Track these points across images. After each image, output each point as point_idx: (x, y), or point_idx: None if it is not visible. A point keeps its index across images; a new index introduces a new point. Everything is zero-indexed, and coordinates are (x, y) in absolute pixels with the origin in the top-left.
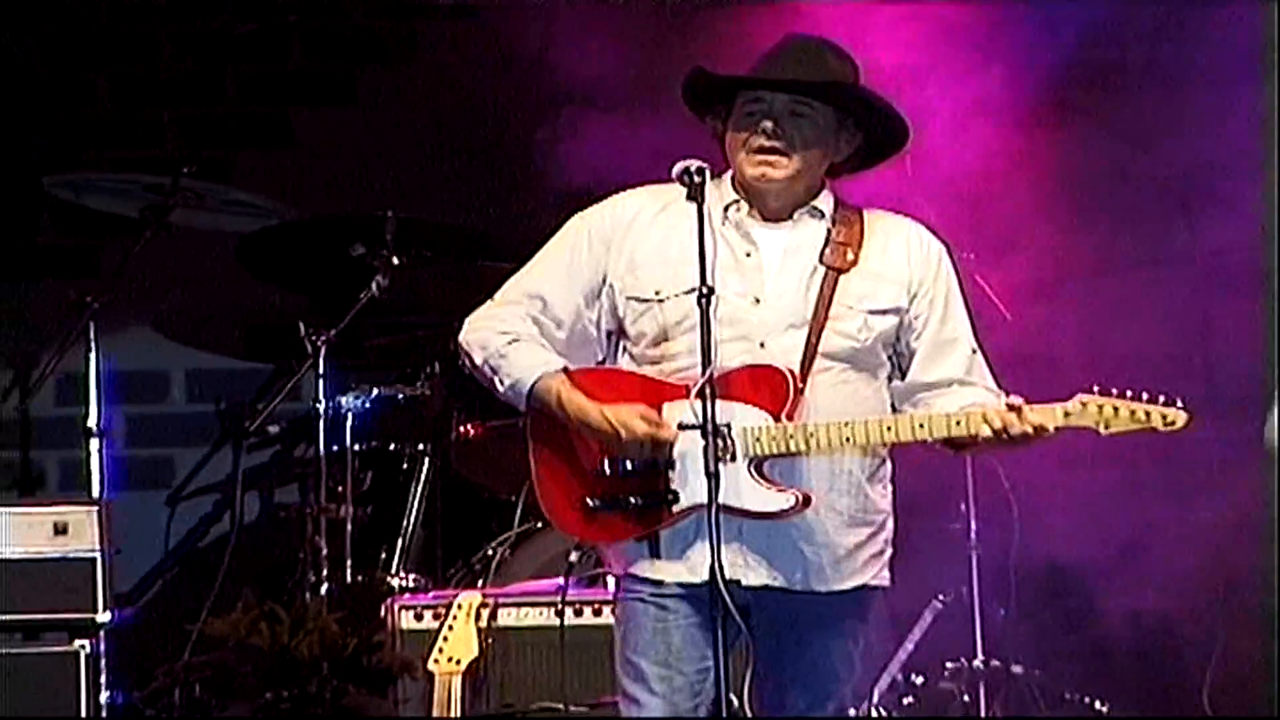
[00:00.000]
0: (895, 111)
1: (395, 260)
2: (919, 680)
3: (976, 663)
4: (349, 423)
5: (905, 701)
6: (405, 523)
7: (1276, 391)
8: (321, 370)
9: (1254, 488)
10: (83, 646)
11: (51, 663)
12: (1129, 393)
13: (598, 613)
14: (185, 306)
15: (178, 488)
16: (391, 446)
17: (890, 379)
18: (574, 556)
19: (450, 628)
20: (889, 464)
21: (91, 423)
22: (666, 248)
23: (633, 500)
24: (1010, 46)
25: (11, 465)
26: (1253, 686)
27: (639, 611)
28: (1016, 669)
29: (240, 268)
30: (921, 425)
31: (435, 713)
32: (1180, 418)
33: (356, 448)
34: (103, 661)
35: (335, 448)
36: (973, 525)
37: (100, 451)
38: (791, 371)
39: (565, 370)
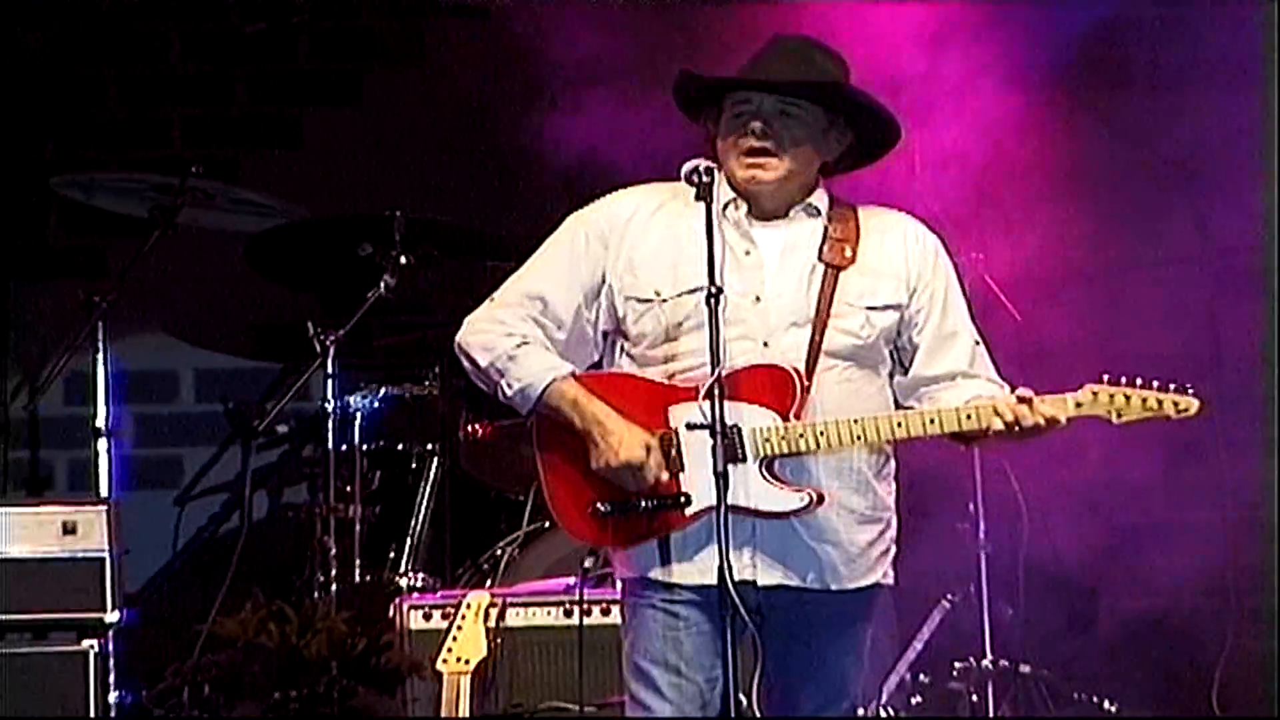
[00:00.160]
0: (885, 110)
1: (403, 260)
2: (927, 680)
3: (985, 662)
4: (357, 422)
5: (914, 701)
6: (414, 522)
7: (1276, 393)
8: (330, 370)
9: (1259, 487)
10: (91, 646)
11: (60, 662)
12: (1139, 381)
13: (606, 612)
14: (194, 306)
15: (186, 487)
16: (400, 446)
17: (892, 375)
18: (589, 562)
19: (459, 627)
20: (893, 461)
21: (100, 422)
22: (665, 247)
23: (644, 504)
24: (1018, 44)
25: (21, 465)
26: (1260, 686)
27: (650, 618)
28: (1025, 669)
29: (249, 268)
30: (932, 420)
31: (444, 713)
32: (1193, 404)
33: (365, 447)
34: (111, 661)
35: (344, 447)
36: (981, 525)
37: (109, 451)
38: (797, 370)
39: (573, 375)
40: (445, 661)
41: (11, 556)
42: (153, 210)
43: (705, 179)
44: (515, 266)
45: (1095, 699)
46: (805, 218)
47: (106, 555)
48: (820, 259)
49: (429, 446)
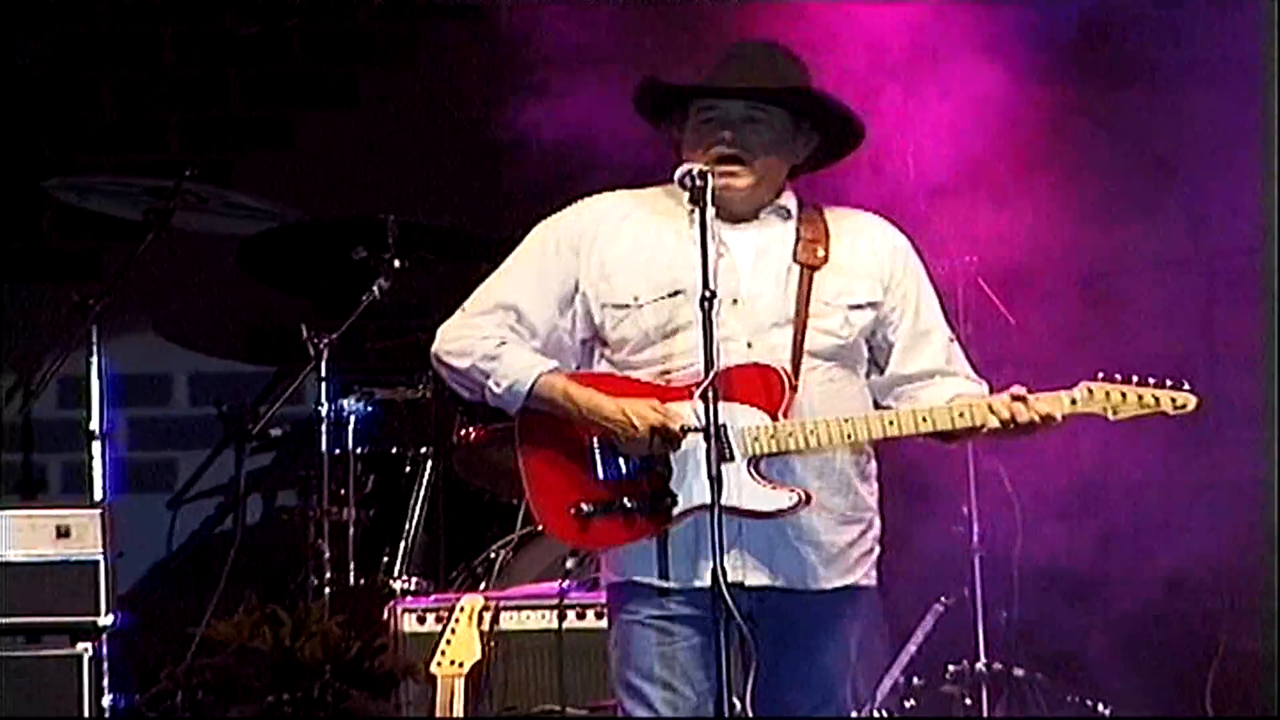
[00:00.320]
0: (851, 112)
1: (397, 263)
2: (921, 683)
3: (979, 665)
4: (351, 426)
5: (907, 704)
6: (407, 526)
7: (1276, 394)
8: (323, 373)
9: (1255, 491)
10: (85, 649)
11: (54, 666)
12: (1134, 378)
13: (600, 615)
14: (187, 309)
15: (180, 491)
16: (394, 449)
17: (868, 374)
18: (570, 563)
19: (452, 631)
20: (874, 462)
21: (94, 426)
22: (638, 253)
23: (628, 504)
24: (1010, 45)
25: (14, 468)
26: (1255, 688)
27: (639, 634)
28: (1019, 672)
29: (242, 271)
30: (925, 418)
31: (437, 715)
32: (1190, 400)
33: (358, 451)
34: (105, 664)
35: (337, 451)
36: (975, 528)
37: (102, 454)
38: (785, 369)
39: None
40: (439, 665)
41: (5, 560)
42: (146, 213)
43: (699, 183)
44: None
45: (1089, 701)
46: (776, 220)
47: (100, 558)
48: (795, 260)
49: (423, 450)
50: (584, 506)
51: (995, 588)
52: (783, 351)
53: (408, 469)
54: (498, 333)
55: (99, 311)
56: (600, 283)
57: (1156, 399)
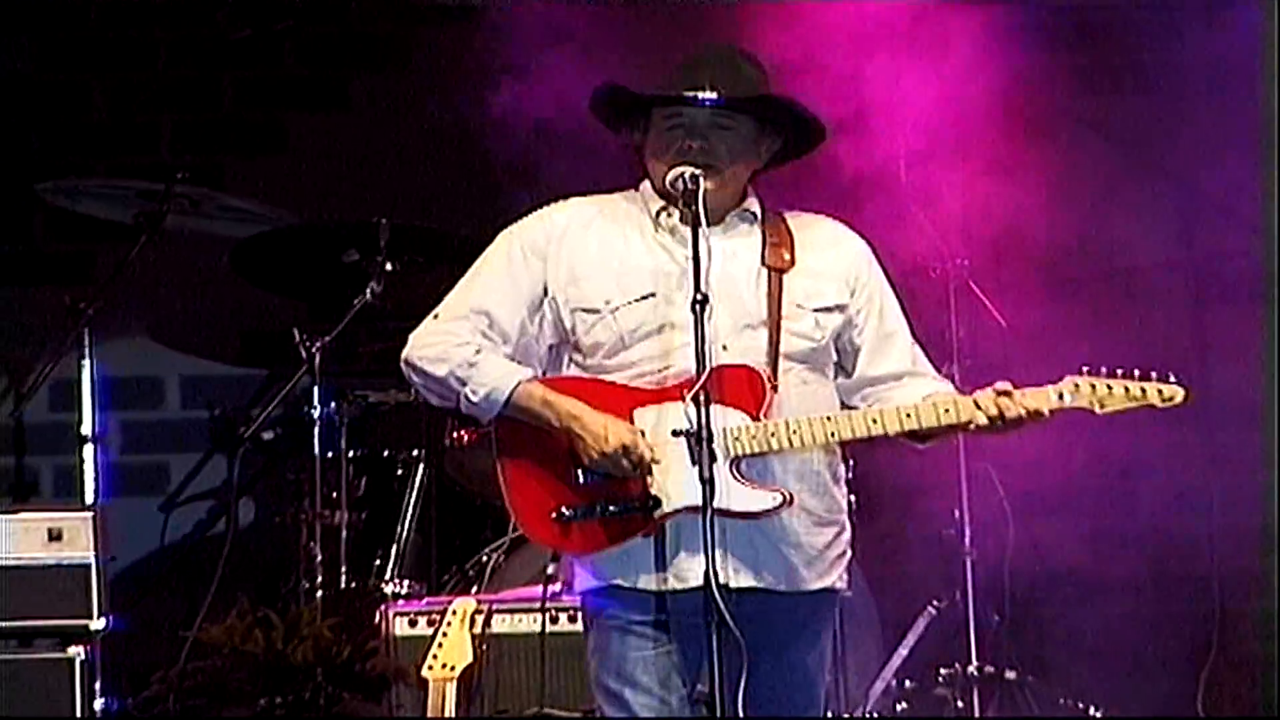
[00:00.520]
0: (815, 116)
1: (389, 266)
2: (913, 686)
3: (971, 668)
4: (343, 429)
5: (899, 707)
6: (399, 529)
7: (1276, 394)
8: (316, 376)
9: (1249, 492)
10: (77, 653)
11: (46, 669)
12: (1119, 371)
13: None
14: (180, 312)
15: (172, 494)
16: (386, 453)
17: (835, 377)
18: (551, 568)
19: (444, 634)
20: (843, 466)
21: (86, 429)
22: (607, 257)
23: (611, 508)
24: (1001, 48)
25: (6, 471)
26: (1247, 691)
27: (619, 640)
28: (1010, 675)
29: (234, 274)
30: (909, 415)
31: (429, 719)
32: (1178, 393)
33: (351, 454)
34: (97, 668)
35: (330, 454)
36: (967, 532)
37: (94, 458)
38: (765, 370)
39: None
40: (431, 668)
41: None
42: (139, 216)
43: (690, 186)
44: None
45: (1080, 704)
46: (742, 223)
47: (92, 562)
48: (763, 263)
49: (414, 453)
50: (565, 511)
51: (987, 591)
52: (758, 354)
53: (400, 472)
54: (473, 339)
55: (91, 315)
56: (569, 287)
57: (1144, 391)
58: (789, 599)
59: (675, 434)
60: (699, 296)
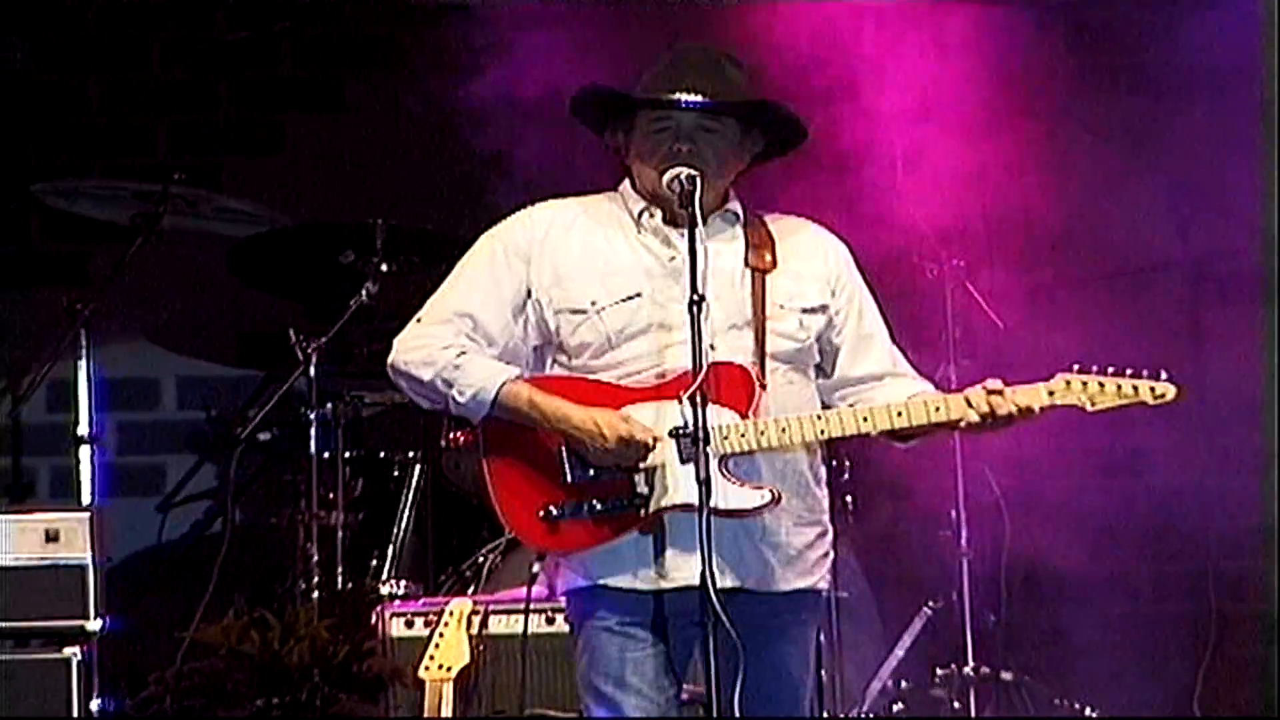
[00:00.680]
0: (799, 118)
1: (385, 267)
2: (910, 686)
3: (967, 669)
4: (339, 430)
5: (896, 708)
6: (396, 530)
7: (1276, 395)
8: (312, 377)
9: (1244, 493)
10: (73, 654)
11: (42, 670)
12: (1110, 369)
13: None
14: (176, 313)
15: (169, 495)
16: (382, 454)
17: (815, 378)
18: (537, 568)
19: (441, 635)
20: (823, 467)
21: (82, 430)
22: (591, 258)
23: (598, 506)
24: (998, 49)
25: (3, 472)
26: (1243, 691)
27: (608, 641)
28: (1006, 675)
29: (231, 275)
30: (900, 413)
31: (425, 719)
32: (1170, 390)
33: (347, 455)
34: (93, 669)
35: (326, 455)
36: (963, 532)
37: (91, 458)
38: (753, 367)
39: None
40: (427, 669)
41: None
42: (135, 217)
43: (688, 186)
44: None
45: (1076, 705)
46: (725, 224)
47: (89, 563)
48: (746, 264)
49: (411, 454)
50: (552, 510)
51: (983, 591)
52: (744, 354)
53: (396, 473)
54: (457, 342)
55: (87, 315)
56: (554, 289)
57: (1135, 388)
58: (771, 599)
59: (673, 432)
60: (696, 296)
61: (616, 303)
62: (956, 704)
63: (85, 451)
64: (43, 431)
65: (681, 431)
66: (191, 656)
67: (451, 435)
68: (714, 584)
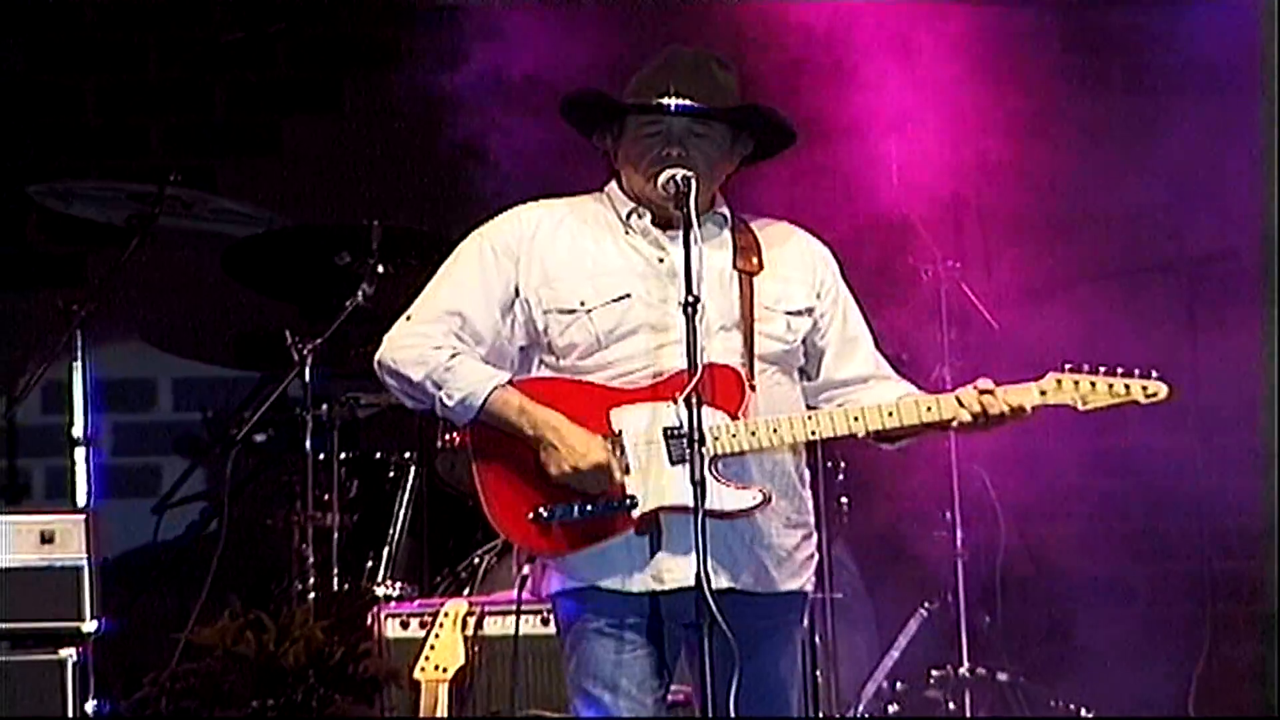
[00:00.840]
0: (789, 123)
1: (381, 269)
2: (905, 687)
3: (962, 670)
4: (335, 431)
5: (891, 709)
6: (391, 531)
7: (1276, 395)
8: (308, 378)
9: (1240, 494)
10: (69, 655)
11: (38, 671)
12: (1102, 368)
13: None
14: (172, 315)
15: (164, 496)
16: (378, 455)
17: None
18: (526, 569)
19: (436, 636)
20: (808, 470)
21: (78, 431)
22: (579, 259)
23: (588, 508)
24: (993, 52)
25: None
26: (1239, 692)
27: (597, 643)
28: (1002, 676)
29: (227, 276)
30: (891, 413)
31: None
32: (1161, 389)
33: (343, 456)
34: (89, 670)
35: (321, 456)
36: (958, 532)
37: (86, 460)
38: (743, 369)
39: (510, 383)
40: (423, 670)
41: None
42: (131, 219)
43: (684, 188)
44: None
45: (1072, 706)
46: (713, 227)
47: (84, 564)
48: (734, 266)
49: (406, 455)
50: (542, 511)
51: (979, 592)
52: (733, 355)
53: (392, 474)
54: (448, 342)
55: (83, 317)
56: (543, 289)
57: (1127, 387)
58: (761, 600)
59: (667, 433)
60: (690, 298)
61: (606, 303)
62: (952, 705)
63: (81, 453)
64: (38, 433)
65: (674, 432)
66: (187, 658)
67: (447, 436)
68: (708, 584)
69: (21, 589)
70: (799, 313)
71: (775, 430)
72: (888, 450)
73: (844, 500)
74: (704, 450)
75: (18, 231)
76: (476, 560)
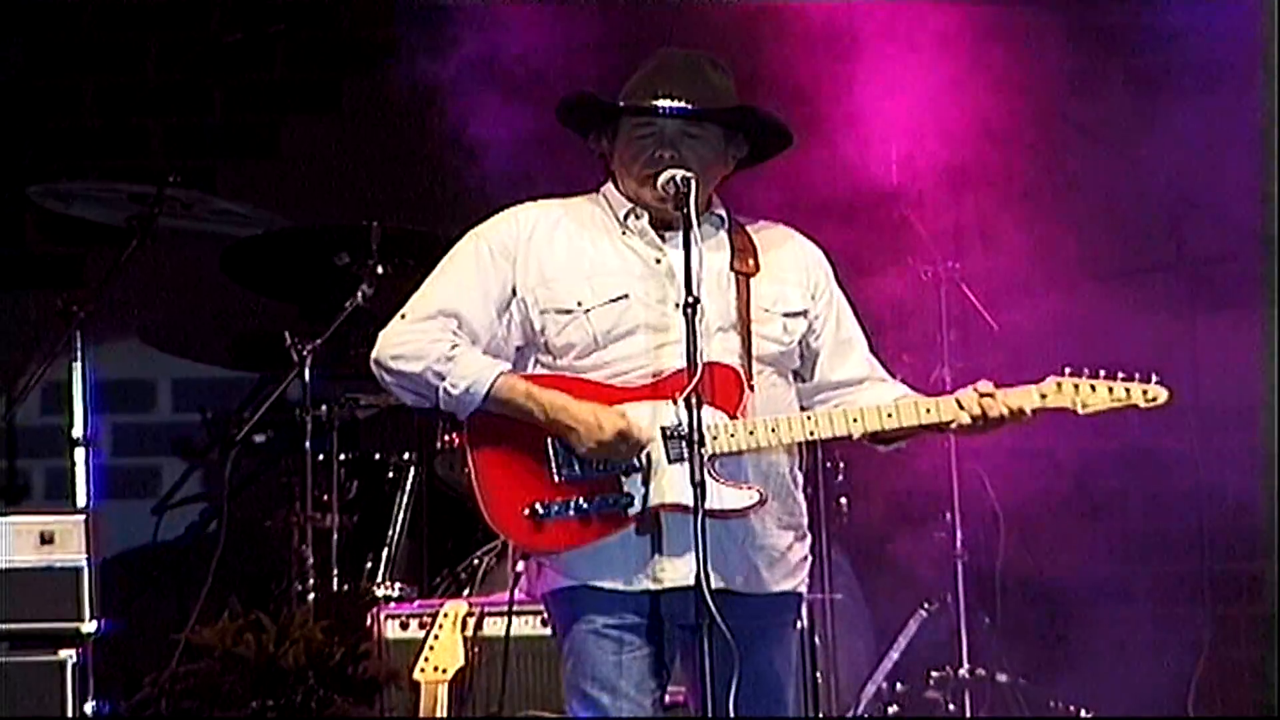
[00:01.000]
0: (784, 125)
1: (380, 269)
2: (904, 688)
3: (962, 671)
4: (334, 432)
5: (890, 710)
6: (391, 532)
7: (1276, 395)
8: (307, 379)
9: (1238, 495)
10: (69, 656)
11: (37, 672)
12: (1102, 372)
13: None
14: (171, 315)
15: (164, 497)
16: (377, 455)
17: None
18: (521, 566)
19: (436, 637)
20: (800, 473)
21: (77, 432)
22: (577, 259)
23: (585, 505)
24: (993, 53)
25: None
26: (1239, 693)
27: (594, 643)
28: (1001, 677)
29: (226, 277)
30: (890, 414)
31: None
32: (1161, 393)
33: (342, 456)
34: (88, 671)
35: (321, 456)
36: (958, 534)
37: (86, 461)
38: (741, 369)
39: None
40: (422, 671)
41: None
42: (130, 219)
43: (683, 189)
44: None
45: (1072, 707)
46: (710, 228)
47: (84, 565)
48: (731, 267)
49: (406, 456)
50: (538, 508)
51: (978, 593)
52: (731, 356)
53: (391, 475)
54: (445, 337)
55: (82, 317)
56: (539, 289)
57: (1127, 391)
58: (754, 601)
59: (665, 432)
60: (690, 298)
61: (604, 304)
62: (951, 706)
63: (80, 453)
64: (37, 433)
65: (673, 431)
66: (186, 659)
67: (446, 437)
68: (707, 584)
69: (21, 589)
70: (794, 314)
71: (774, 430)
72: (883, 451)
73: (843, 501)
74: (703, 450)
75: (17, 232)
76: (476, 561)
